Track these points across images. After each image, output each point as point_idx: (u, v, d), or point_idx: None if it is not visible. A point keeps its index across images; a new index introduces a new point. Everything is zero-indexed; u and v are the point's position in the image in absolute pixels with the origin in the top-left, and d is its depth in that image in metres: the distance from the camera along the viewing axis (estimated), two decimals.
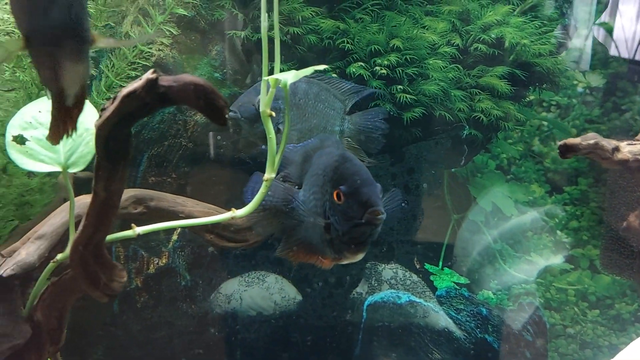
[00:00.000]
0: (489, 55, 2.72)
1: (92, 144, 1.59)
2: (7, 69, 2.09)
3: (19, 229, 2.35)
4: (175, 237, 2.95)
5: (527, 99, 2.75)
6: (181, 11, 2.44)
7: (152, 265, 2.94)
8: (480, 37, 2.72)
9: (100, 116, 1.32)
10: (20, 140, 1.57)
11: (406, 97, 2.68)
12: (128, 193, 2.13)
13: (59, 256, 1.71)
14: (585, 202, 2.77)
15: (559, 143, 1.56)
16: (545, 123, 2.77)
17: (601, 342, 2.76)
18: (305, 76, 2.29)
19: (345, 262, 1.66)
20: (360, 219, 1.53)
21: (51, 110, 1.30)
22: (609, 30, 2.79)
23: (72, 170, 1.63)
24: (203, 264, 3.05)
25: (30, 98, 2.17)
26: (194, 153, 2.87)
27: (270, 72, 1.63)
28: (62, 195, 2.48)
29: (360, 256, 1.62)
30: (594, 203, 2.75)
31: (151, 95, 1.28)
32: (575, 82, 2.70)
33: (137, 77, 2.47)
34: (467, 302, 2.92)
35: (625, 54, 2.79)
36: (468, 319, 2.91)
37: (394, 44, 2.71)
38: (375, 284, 2.98)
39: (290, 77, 1.48)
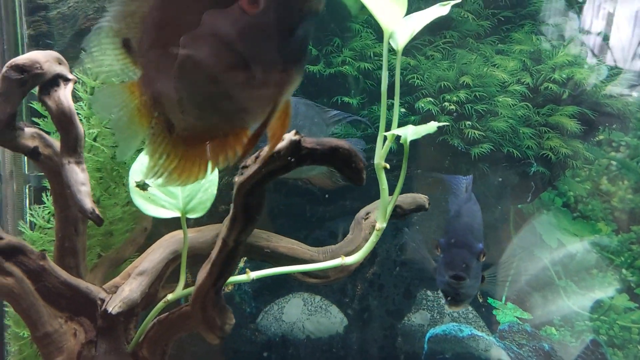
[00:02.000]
0: (559, 95, 2.76)
1: (211, 191, 1.65)
2: None
3: (102, 258, 2.40)
4: (241, 264, 2.99)
5: (597, 138, 2.78)
6: None
7: None
8: (551, 77, 2.76)
9: (242, 173, 1.37)
10: (142, 186, 1.63)
11: (474, 132, 2.72)
12: (217, 228, 2.17)
13: (170, 296, 1.76)
14: None
15: None
16: (614, 163, 2.80)
17: None
18: (301, 99, 2.28)
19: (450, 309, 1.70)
20: (444, 277, 1.56)
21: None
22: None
23: (191, 216, 1.68)
24: (266, 292, 3.09)
25: None
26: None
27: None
28: (144, 225, 2.53)
29: (455, 309, 1.66)
30: None
31: (294, 156, 1.32)
32: None
33: None
34: (530, 338, 2.94)
35: (621, 63, 2.81)
36: (530, 354, 2.92)
37: (464, 81, 2.76)
38: (437, 317, 3.01)
39: (410, 132, 1.52)
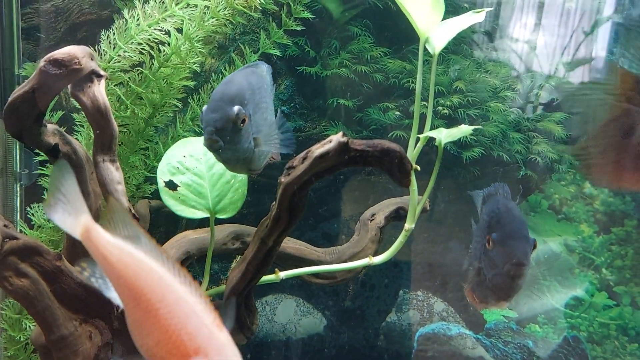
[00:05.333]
0: (548, 101, 2.88)
1: (242, 191, 1.65)
2: (129, 106, 2.09)
3: None
4: (233, 264, 2.97)
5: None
6: (274, 52, 2.49)
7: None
8: (541, 84, 2.88)
9: (288, 174, 1.38)
10: (171, 186, 1.61)
11: (467, 136, 2.80)
12: (228, 229, 2.16)
13: None
14: (629, 242, 2.95)
15: None
16: None
17: None
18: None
19: (491, 308, 1.74)
20: (502, 268, 1.60)
21: None
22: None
23: (221, 217, 1.67)
24: (259, 292, 3.08)
25: (138, 133, 2.18)
26: (257, 183, 2.92)
27: None
28: (142, 225, 2.48)
29: (503, 305, 1.70)
30: (638, 243, 2.93)
31: (343, 158, 1.34)
32: None
33: None
34: (515, 335, 3.05)
35: (546, 70, 2.96)
36: (515, 350, 3.03)
37: (457, 86, 2.84)
38: (427, 316, 3.08)
39: (444, 135, 1.56)
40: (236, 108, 1.53)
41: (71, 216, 1.17)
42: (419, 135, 1.64)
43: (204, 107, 1.56)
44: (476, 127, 1.72)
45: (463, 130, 1.60)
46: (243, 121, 1.53)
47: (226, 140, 1.51)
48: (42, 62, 1.41)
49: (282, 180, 1.39)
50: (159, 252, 1.09)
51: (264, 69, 1.87)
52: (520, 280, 1.62)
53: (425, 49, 1.78)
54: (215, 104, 1.56)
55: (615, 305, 2.99)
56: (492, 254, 1.63)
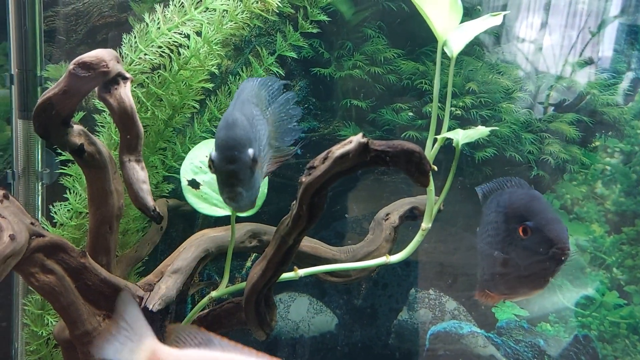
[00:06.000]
0: (560, 102, 2.91)
1: (262, 189, 1.69)
2: (150, 108, 2.15)
3: (121, 256, 2.39)
4: (249, 263, 3.02)
5: (593, 144, 2.94)
6: (290, 54, 2.53)
7: None
8: (553, 85, 2.90)
9: (309, 174, 1.42)
10: (194, 184, 1.65)
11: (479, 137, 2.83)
12: (245, 227, 2.20)
13: (214, 294, 1.78)
14: None
15: None
16: (608, 168, 2.96)
17: None
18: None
19: (517, 298, 1.75)
20: (546, 254, 1.60)
21: None
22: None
23: (241, 215, 1.71)
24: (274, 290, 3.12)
25: (158, 134, 2.23)
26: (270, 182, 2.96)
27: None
28: (161, 225, 2.53)
29: (535, 293, 1.70)
30: None
31: (363, 158, 1.38)
32: (639, 131, 2.90)
33: None
34: (526, 334, 3.08)
35: (552, 70, 2.98)
36: (526, 349, 3.06)
37: (470, 87, 2.87)
38: (439, 314, 3.11)
39: (461, 136, 1.59)
40: (250, 152, 1.46)
41: (133, 342, 1.10)
42: (437, 136, 1.68)
43: (213, 154, 1.48)
44: (493, 128, 1.75)
45: (480, 131, 1.63)
46: (255, 163, 1.48)
47: (244, 188, 1.47)
48: (71, 65, 1.46)
49: (303, 180, 1.42)
50: (234, 345, 1.05)
51: (252, 85, 1.74)
52: (563, 264, 1.61)
53: (442, 51, 1.81)
54: (229, 153, 1.47)
55: (626, 305, 3.01)
56: (529, 242, 1.61)
